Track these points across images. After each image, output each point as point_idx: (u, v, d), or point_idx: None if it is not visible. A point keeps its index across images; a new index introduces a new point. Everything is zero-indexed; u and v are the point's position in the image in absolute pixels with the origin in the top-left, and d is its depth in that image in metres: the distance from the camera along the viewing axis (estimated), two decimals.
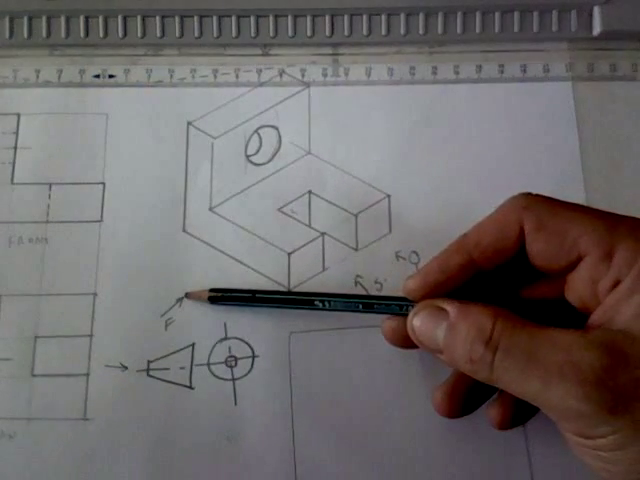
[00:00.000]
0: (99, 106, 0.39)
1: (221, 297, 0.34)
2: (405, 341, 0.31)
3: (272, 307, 0.34)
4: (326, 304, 0.32)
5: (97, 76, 0.40)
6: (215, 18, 0.40)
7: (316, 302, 0.32)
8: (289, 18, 0.40)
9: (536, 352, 0.24)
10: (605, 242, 0.26)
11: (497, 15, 0.40)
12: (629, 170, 0.38)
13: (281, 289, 0.36)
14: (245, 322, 0.35)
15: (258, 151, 0.39)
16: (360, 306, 0.32)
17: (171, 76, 0.40)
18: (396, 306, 0.31)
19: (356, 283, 0.36)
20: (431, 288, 0.29)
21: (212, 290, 0.34)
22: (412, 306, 0.30)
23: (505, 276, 0.29)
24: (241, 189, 0.38)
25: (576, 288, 0.27)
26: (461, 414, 0.31)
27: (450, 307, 0.27)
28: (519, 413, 0.30)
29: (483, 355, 0.25)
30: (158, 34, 0.40)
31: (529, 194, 0.28)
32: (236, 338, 0.35)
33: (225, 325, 0.35)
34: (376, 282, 0.36)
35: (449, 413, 0.31)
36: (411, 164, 0.38)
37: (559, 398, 0.24)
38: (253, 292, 0.34)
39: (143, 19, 0.40)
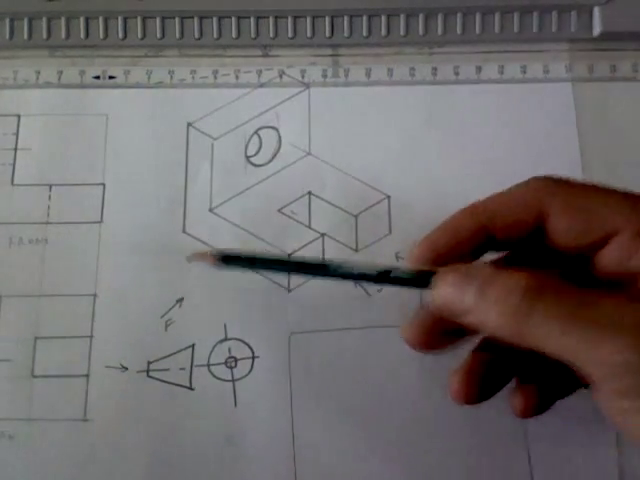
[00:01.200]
0: (99, 107, 0.39)
1: (225, 258, 0.29)
2: (427, 337, 0.29)
3: (279, 271, 0.31)
4: (338, 269, 0.27)
5: (97, 77, 0.40)
6: (215, 19, 0.40)
7: (328, 266, 0.28)
8: (289, 19, 0.40)
9: (582, 304, 0.22)
10: (637, 219, 0.25)
11: (497, 16, 0.40)
12: (629, 170, 0.38)
13: (281, 289, 0.36)
14: (245, 323, 0.35)
15: (258, 152, 0.39)
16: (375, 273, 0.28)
17: (171, 77, 0.40)
18: (417, 275, 0.27)
19: (356, 284, 0.36)
20: (440, 254, 0.26)
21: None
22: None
23: (517, 254, 0.27)
24: (241, 190, 0.38)
25: (605, 265, 0.26)
26: (478, 400, 0.29)
27: (482, 268, 0.25)
28: (542, 400, 0.29)
29: (519, 305, 0.23)
30: (158, 35, 0.40)
31: (550, 176, 0.27)
32: (236, 339, 0.35)
33: (225, 326, 0.35)
34: None
35: (467, 398, 0.28)
36: (411, 165, 0.38)
37: (609, 352, 0.22)
38: (258, 257, 0.29)
39: (143, 20, 0.40)
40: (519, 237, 0.26)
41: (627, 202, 0.25)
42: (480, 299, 0.24)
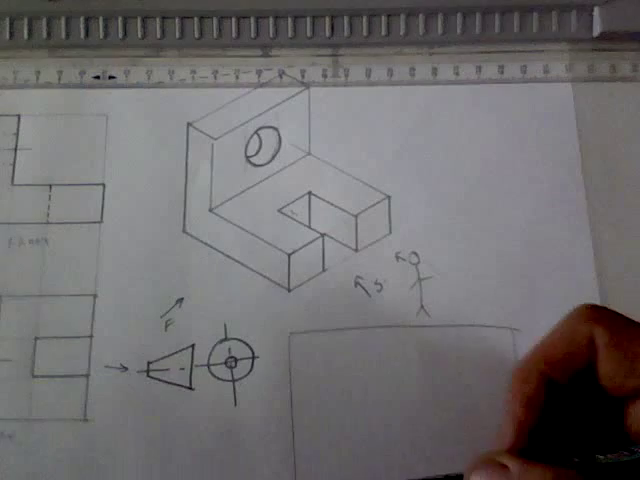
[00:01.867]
0: (99, 107, 0.39)
1: None
2: None
3: None
4: None
5: (97, 77, 0.40)
6: (215, 19, 0.40)
7: None
8: (289, 19, 0.40)
9: None
10: None
11: (497, 16, 0.40)
12: (629, 170, 0.38)
13: (281, 289, 0.36)
14: (245, 323, 0.35)
15: (258, 152, 0.39)
16: None
17: (171, 77, 0.40)
18: None
19: (356, 284, 0.36)
20: (524, 428, 0.26)
21: None
22: None
23: (578, 392, 0.27)
24: (241, 190, 0.38)
25: (635, 417, 0.25)
26: None
27: (511, 464, 0.24)
28: None
29: None
30: (158, 35, 0.40)
31: (596, 305, 0.27)
32: (236, 339, 0.35)
33: (225, 326, 0.35)
34: (376, 283, 0.36)
35: None
36: (411, 165, 0.38)
37: None
38: None
39: (143, 20, 0.40)
40: (576, 369, 0.26)
41: None
42: None
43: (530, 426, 0.26)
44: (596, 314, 0.26)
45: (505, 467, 0.24)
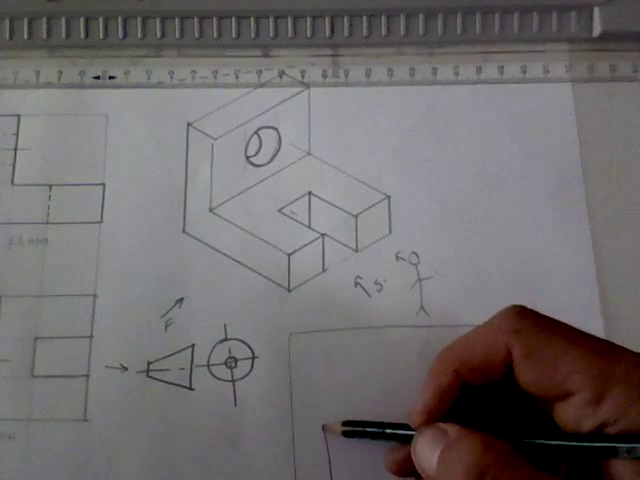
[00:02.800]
0: (99, 107, 0.39)
1: (352, 432, 0.32)
2: (408, 471, 0.30)
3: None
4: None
5: (97, 77, 0.40)
6: (215, 19, 0.40)
7: None
8: (289, 19, 0.40)
9: None
10: (596, 384, 0.25)
11: (497, 16, 0.40)
12: (629, 170, 0.38)
13: (281, 289, 0.36)
14: (245, 323, 0.35)
15: (258, 152, 0.39)
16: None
17: (171, 77, 0.40)
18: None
19: (356, 284, 0.36)
20: (432, 415, 0.28)
21: (345, 423, 0.33)
22: None
23: (496, 391, 0.28)
24: (241, 190, 0.38)
25: (561, 419, 0.26)
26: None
27: (450, 429, 0.26)
28: None
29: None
30: (158, 35, 0.40)
31: (520, 311, 0.27)
32: (236, 339, 0.35)
33: (225, 326, 0.35)
34: (376, 283, 0.36)
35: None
36: (411, 165, 0.38)
37: None
38: (384, 426, 0.31)
39: (143, 20, 0.40)
40: (494, 379, 0.27)
41: (594, 361, 0.25)
42: (441, 466, 0.26)
43: (439, 414, 0.28)
44: (517, 322, 0.27)
45: (445, 431, 0.26)
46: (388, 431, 0.31)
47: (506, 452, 0.25)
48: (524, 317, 0.27)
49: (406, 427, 0.30)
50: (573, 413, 0.25)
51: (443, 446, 0.26)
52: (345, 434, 0.32)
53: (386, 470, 0.31)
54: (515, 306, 0.28)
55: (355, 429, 0.32)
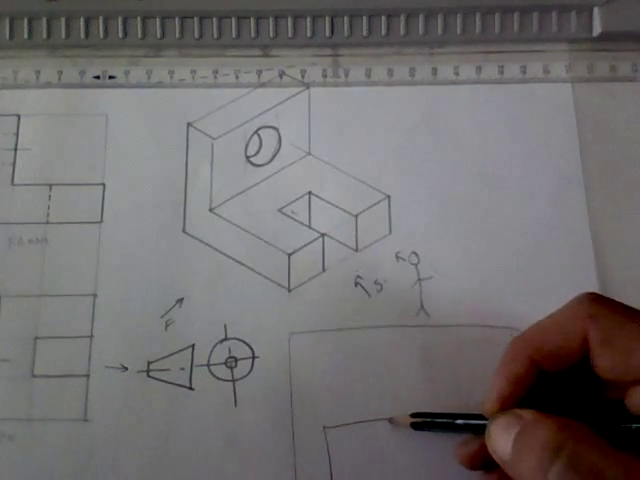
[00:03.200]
0: (99, 107, 0.39)
1: (422, 423, 0.32)
2: (481, 464, 0.30)
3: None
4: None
5: (97, 77, 0.40)
6: (215, 19, 0.40)
7: None
8: (289, 19, 0.40)
9: (604, 473, 0.23)
10: None
11: (497, 16, 0.40)
12: (629, 171, 0.38)
13: (281, 289, 0.36)
14: (245, 323, 0.35)
15: (258, 152, 0.39)
16: None
17: (171, 77, 0.40)
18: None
19: (356, 284, 0.36)
20: (506, 403, 0.28)
21: (414, 415, 0.32)
22: None
23: (573, 377, 0.28)
24: (241, 190, 0.38)
25: (634, 403, 0.26)
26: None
27: (525, 414, 0.26)
28: None
29: (543, 464, 0.24)
30: (158, 35, 0.40)
31: (595, 298, 0.27)
32: (236, 339, 0.35)
33: (225, 326, 0.35)
34: (376, 283, 0.36)
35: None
36: (411, 165, 0.38)
37: None
38: (455, 417, 0.31)
39: (143, 20, 0.40)
40: (567, 365, 0.27)
41: None
42: (517, 449, 0.25)
43: (513, 401, 0.27)
44: (592, 308, 0.27)
45: (520, 416, 0.26)
46: (459, 421, 0.30)
47: (582, 430, 0.24)
48: (599, 303, 0.27)
49: (478, 417, 0.29)
50: None
51: (518, 429, 0.25)
52: (414, 426, 0.32)
53: (456, 463, 0.31)
54: (589, 293, 0.27)
55: (425, 420, 0.32)
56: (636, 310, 0.27)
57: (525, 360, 0.27)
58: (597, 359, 0.26)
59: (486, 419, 0.28)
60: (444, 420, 0.31)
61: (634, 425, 0.26)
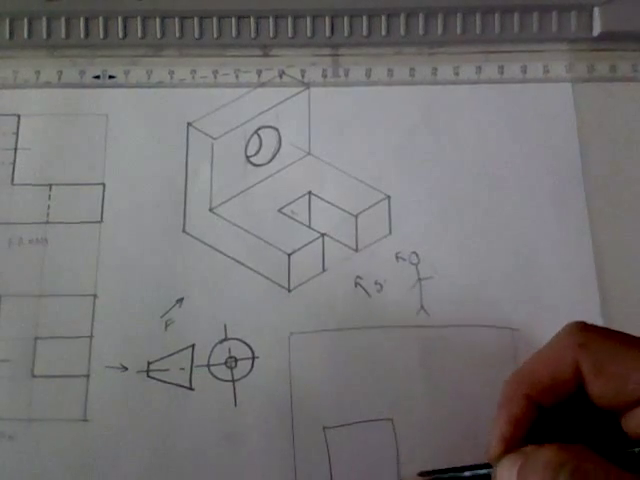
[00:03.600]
0: (99, 107, 0.39)
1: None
2: None
3: None
4: None
5: (97, 77, 0.40)
6: (215, 19, 0.40)
7: None
8: (289, 19, 0.40)
9: None
10: None
11: (497, 16, 0.40)
12: (629, 171, 0.38)
13: (281, 289, 0.36)
14: (245, 323, 0.35)
15: (258, 152, 0.39)
16: None
17: (171, 77, 0.40)
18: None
19: (356, 284, 0.36)
20: (509, 445, 0.27)
21: (421, 474, 0.32)
22: None
23: (571, 407, 0.28)
24: (241, 190, 0.38)
25: (631, 427, 0.26)
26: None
27: (528, 448, 0.26)
28: None
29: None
30: (158, 35, 0.40)
31: (583, 326, 0.27)
32: (236, 339, 0.35)
33: (225, 326, 0.35)
34: (376, 283, 0.36)
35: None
36: (411, 165, 0.38)
37: None
38: (462, 469, 0.30)
39: (143, 20, 0.40)
40: (563, 397, 0.27)
41: None
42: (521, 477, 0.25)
43: (516, 442, 0.27)
44: (582, 337, 0.27)
45: (524, 452, 0.26)
46: (467, 473, 0.30)
47: (584, 450, 0.24)
48: (588, 331, 0.27)
49: (485, 467, 0.29)
50: None
51: (521, 462, 0.25)
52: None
53: None
54: (577, 322, 0.27)
55: (432, 477, 0.31)
56: (626, 335, 0.27)
57: (522, 399, 0.27)
58: (591, 387, 0.26)
59: (491, 466, 0.28)
60: (451, 474, 0.30)
61: (634, 449, 0.25)
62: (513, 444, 0.27)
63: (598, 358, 0.26)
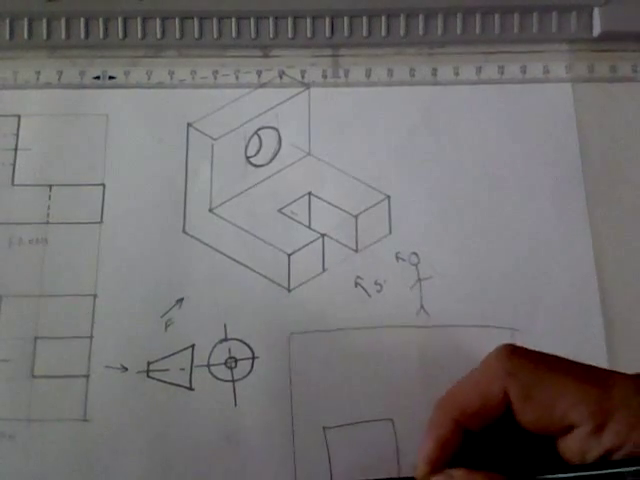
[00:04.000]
0: (99, 107, 0.39)
1: None
2: None
3: None
4: None
5: (97, 77, 0.40)
6: (215, 20, 0.40)
7: None
8: (289, 19, 0.40)
9: None
10: (596, 415, 0.25)
11: (497, 16, 0.40)
12: (629, 171, 0.38)
13: (281, 289, 0.36)
14: (245, 323, 0.35)
15: (258, 152, 0.39)
16: None
17: (171, 77, 0.40)
18: None
19: (356, 284, 0.36)
20: (436, 465, 0.28)
21: None
22: None
23: (500, 429, 0.28)
24: (241, 190, 0.38)
25: (565, 452, 0.26)
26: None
27: (456, 473, 0.27)
28: None
29: None
30: (158, 35, 0.40)
31: (512, 351, 0.27)
32: (236, 339, 0.35)
33: (225, 326, 0.35)
34: (376, 283, 0.36)
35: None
36: (411, 165, 0.38)
37: None
38: None
39: (143, 20, 0.40)
40: (491, 422, 0.28)
41: (591, 392, 0.26)
42: None
43: (441, 463, 0.27)
44: (510, 364, 0.27)
45: (451, 476, 0.27)
46: None
47: (489, 476, 0.25)
48: (517, 356, 0.27)
49: None
50: (577, 446, 0.26)
51: None
52: None
53: None
54: (506, 346, 0.28)
55: None
56: (557, 359, 0.27)
57: (449, 423, 0.28)
58: (520, 415, 0.27)
59: None
60: None
61: (562, 475, 0.26)
62: (440, 464, 0.27)
63: (525, 385, 0.26)
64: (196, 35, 0.40)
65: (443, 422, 0.28)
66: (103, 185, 0.38)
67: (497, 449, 0.28)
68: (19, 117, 0.39)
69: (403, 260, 0.36)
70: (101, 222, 0.37)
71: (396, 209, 0.37)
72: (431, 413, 0.29)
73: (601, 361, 0.34)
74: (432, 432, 0.28)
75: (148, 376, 0.34)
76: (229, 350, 0.35)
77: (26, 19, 0.40)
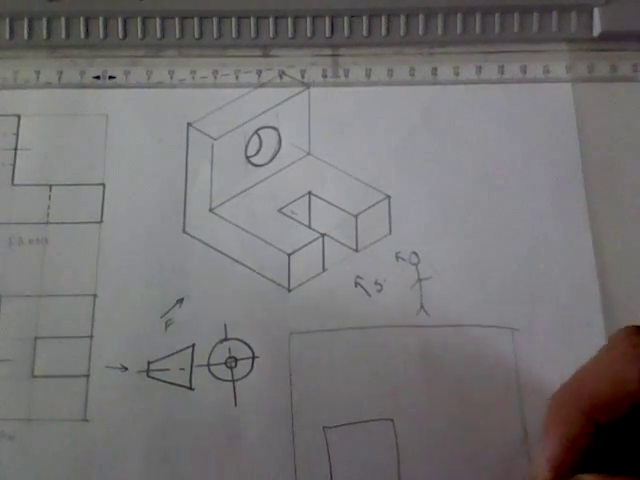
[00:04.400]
0: (99, 107, 0.39)
1: None
2: None
3: None
4: None
5: (97, 77, 0.40)
6: (215, 19, 0.40)
7: None
8: (289, 19, 0.40)
9: None
10: None
11: (497, 16, 0.40)
12: (629, 171, 0.38)
13: (281, 289, 0.36)
14: (245, 323, 0.35)
15: (258, 152, 0.39)
16: None
17: (171, 77, 0.40)
18: None
19: (356, 284, 0.36)
20: (562, 470, 0.24)
21: None
22: None
23: (628, 424, 0.24)
24: (241, 190, 0.38)
25: None
26: None
27: (588, 478, 0.23)
28: None
29: None
30: (158, 35, 0.40)
31: (633, 330, 0.24)
32: (236, 339, 0.35)
33: (225, 326, 0.35)
34: (376, 283, 0.36)
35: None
36: (411, 165, 0.38)
37: None
38: None
39: (143, 20, 0.40)
40: (624, 413, 0.24)
41: None
42: None
43: (570, 465, 0.24)
44: (630, 342, 0.24)
45: None
46: None
47: None
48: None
49: None
50: None
51: None
52: None
53: None
54: (632, 327, 0.25)
55: None
56: None
57: (578, 417, 0.24)
58: None
59: None
60: None
61: None
62: (567, 469, 0.24)
63: None
64: (196, 35, 0.40)
65: (569, 417, 0.24)
66: (103, 185, 0.38)
67: (630, 446, 0.25)
68: (19, 117, 0.39)
69: (403, 260, 0.36)
70: (101, 222, 0.37)
71: (396, 209, 0.37)
72: (548, 409, 0.25)
73: None
74: (556, 430, 0.24)
75: (148, 376, 0.34)
76: (229, 350, 0.35)
77: (26, 19, 0.40)
